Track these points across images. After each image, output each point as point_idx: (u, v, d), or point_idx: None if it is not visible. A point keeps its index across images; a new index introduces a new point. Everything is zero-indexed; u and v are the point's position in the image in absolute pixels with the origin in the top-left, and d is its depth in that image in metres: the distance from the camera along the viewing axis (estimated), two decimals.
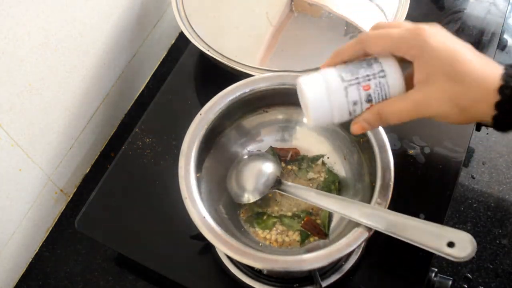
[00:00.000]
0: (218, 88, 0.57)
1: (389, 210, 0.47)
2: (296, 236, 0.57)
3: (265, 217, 0.58)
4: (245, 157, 0.61)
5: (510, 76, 0.39)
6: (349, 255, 0.58)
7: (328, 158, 0.61)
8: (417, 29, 0.41)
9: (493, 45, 0.78)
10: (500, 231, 0.81)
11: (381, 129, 0.53)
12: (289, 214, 0.58)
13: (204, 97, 0.58)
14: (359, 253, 0.59)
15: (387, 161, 0.51)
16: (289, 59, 0.68)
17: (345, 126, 0.52)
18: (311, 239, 0.57)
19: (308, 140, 0.62)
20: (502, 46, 0.99)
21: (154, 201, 0.65)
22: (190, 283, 0.59)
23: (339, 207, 0.50)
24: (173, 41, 0.88)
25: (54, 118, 0.65)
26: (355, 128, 0.45)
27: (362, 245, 0.58)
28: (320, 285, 0.55)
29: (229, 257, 0.59)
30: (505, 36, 1.00)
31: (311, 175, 0.61)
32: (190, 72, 0.77)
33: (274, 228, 0.58)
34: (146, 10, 0.79)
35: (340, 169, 0.60)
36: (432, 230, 0.42)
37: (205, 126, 0.56)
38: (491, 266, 0.76)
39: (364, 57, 0.44)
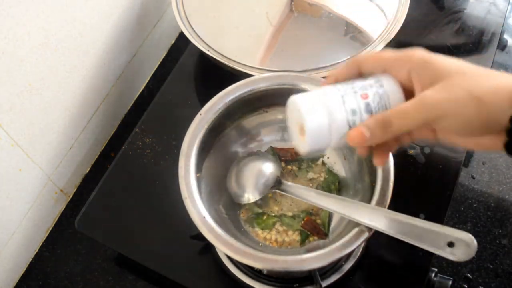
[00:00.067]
0: (218, 88, 0.57)
1: (389, 210, 0.47)
2: (296, 236, 0.57)
3: (265, 217, 0.58)
4: (245, 157, 0.61)
5: None
6: (349, 255, 0.58)
7: (328, 158, 0.61)
8: (410, 51, 0.40)
9: (493, 45, 0.78)
10: (500, 231, 0.81)
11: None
12: (289, 214, 0.58)
13: (204, 97, 0.58)
14: (359, 253, 0.59)
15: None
16: (289, 59, 0.68)
17: None
18: (311, 239, 0.57)
19: None
20: (502, 46, 0.99)
21: (154, 201, 0.65)
22: (190, 283, 0.59)
23: (339, 207, 0.50)
24: (173, 41, 0.88)
25: (54, 118, 0.65)
26: (353, 135, 0.39)
27: (362, 245, 0.58)
28: (320, 285, 0.55)
29: (229, 257, 0.59)
30: (505, 36, 1.00)
31: (311, 175, 0.61)
32: (190, 72, 0.77)
33: (274, 228, 0.58)
34: (146, 10, 0.79)
35: (340, 169, 0.60)
36: (432, 230, 0.42)
37: (205, 126, 0.56)
38: (491, 266, 0.76)
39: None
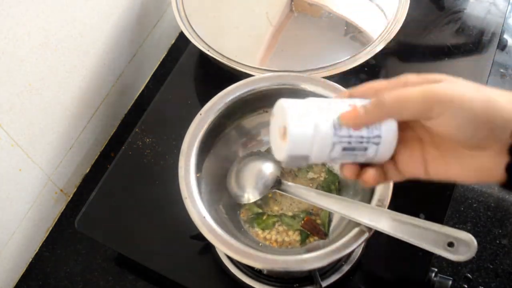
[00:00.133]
0: (218, 88, 0.57)
1: (389, 210, 0.47)
2: (296, 236, 0.57)
3: (265, 217, 0.58)
4: (245, 157, 0.61)
5: None
6: (349, 255, 0.58)
7: None
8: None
9: (493, 45, 0.78)
10: (500, 231, 0.81)
11: None
12: (289, 214, 0.58)
13: (204, 97, 0.58)
14: (359, 253, 0.59)
15: None
16: (289, 59, 0.68)
17: None
18: (311, 239, 0.57)
19: None
20: (502, 46, 0.99)
21: (154, 201, 0.65)
22: (190, 283, 0.59)
23: (339, 207, 0.50)
24: (173, 41, 0.88)
25: (54, 118, 0.65)
26: (345, 113, 0.38)
27: (362, 245, 0.58)
28: (320, 285, 0.55)
29: (229, 257, 0.59)
30: (505, 36, 1.00)
31: (311, 175, 0.61)
32: (190, 72, 0.77)
33: (274, 228, 0.58)
34: (146, 10, 0.79)
35: None
36: (432, 230, 0.42)
37: (205, 126, 0.56)
38: (491, 266, 0.76)
39: None
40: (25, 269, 0.68)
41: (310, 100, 0.39)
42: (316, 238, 0.57)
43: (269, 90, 0.58)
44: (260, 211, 0.59)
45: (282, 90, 0.58)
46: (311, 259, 0.47)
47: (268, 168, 0.58)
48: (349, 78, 0.67)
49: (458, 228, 0.41)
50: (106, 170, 0.67)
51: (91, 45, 0.68)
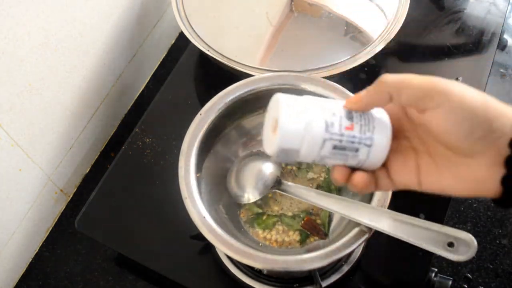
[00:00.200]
0: (218, 88, 0.57)
1: (389, 210, 0.47)
2: (296, 236, 0.57)
3: (265, 217, 0.58)
4: (245, 157, 0.61)
5: None
6: (349, 255, 0.58)
7: None
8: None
9: (493, 45, 0.78)
10: (500, 231, 0.81)
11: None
12: (289, 214, 0.58)
13: (204, 97, 0.58)
14: (359, 253, 0.59)
15: None
16: (289, 59, 0.68)
17: None
18: (311, 239, 0.57)
19: None
20: (502, 46, 0.99)
21: (154, 201, 0.65)
22: (190, 283, 0.59)
23: (339, 207, 0.50)
24: (173, 41, 0.88)
25: (54, 118, 0.65)
26: (349, 99, 0.38)
27: (362, 245, 0.58)
28: (320, 285, 0.55)
29: (229, 257, 0.59)
30: (505, 36, 1.00)
31: (311, 175, 0.61)
32: (190, 72, 0.77)
33: (274, 228, 0.58)
34: (146, 10, 0.79)
35: None
36: (432, 230, 0.42)
37: (205, 126, 0.56)
38: (491, 266, 0.76)
39: None
40: (25, 269, 0.68)
41: (306, 97, 0.39)
42: (316, 238, 0.57)
43: (269, 90, 0.58)
44: (260, 211, 0.59)
45: (282, 90, 0.58)
46: (311, 259, 0.47)
47: (268, 168, 0.58)
48: (349, 78, 0.67)
49: (458, 228, 0.41)
50: (106, 170, 0.67)
51: (91, 45, 0.68)
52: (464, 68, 0.75)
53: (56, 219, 0.72)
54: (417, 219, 0.44)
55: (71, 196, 0.74)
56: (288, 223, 0.58)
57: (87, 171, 0.76)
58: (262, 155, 0.61)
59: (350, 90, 0.56)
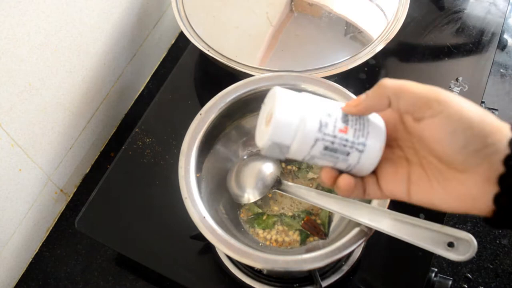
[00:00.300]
0: (218, 88, 0.57)
1: (389, 210, 0.47)
2: (296, 236, 0.57)
3: (265, 217, 0.58)
4: (245, 157, 0.61)
5: None
6: (349, 255, 0.58)
7: None
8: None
9: (493, 45, 0.78)
10: (500, 231, 0.81)
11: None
12: (289, 214, 0.58)
13: (204, 97, 0.58)
14: (359, 253, 0.59)
15: None
16: (289, 59, 0.68)
17: None
18: (311, 239, 0.57)
19: None
20: (502, 46, 0.99)
21: (154, 201, 0.65)
22: (190, 283, 0.59)
23: (339, 207, 0.50)
24: (173, 41, 0.88)
25: (54, 118, 0.65)
26: (349, 102, 0.38)
27: (362, 245, 0.58)
28: (320, 285, 0.55)
29: (229, 257, 0.59)
30: (505, 36, 1.00)
31: (311, 175, 0.61)
32: (190, 72, 0.77)
33: (274, 228, 0.58)
34: (146, 10, 0.79)
35: None
36: (432, 230, 0.42)
37: (205, 126, 0.56)
38: (491, 266, 0.76)
39: None
40: (25, 269, 0.68)
41: (304, 94, 0.39)
42: (316, 238, 0.57)
43: (269, 90, 0.58)
44: (260, 211, 0.59)
45: None
46: (311, 259, 0.47)
47: (268, 168, 0.58)
48: (349, 78, 0.67)
49: (458, 228, 0.41)
50: (106, 170, 0.67)
51: (91, 45, 0.68)
52: (464, 68, 0.75)
53: (56, 219, 0.72)
54: (417, 219, 0.44)
55: (71, 196, 0.74)
56: (288, 223, 0.58)
57: (87, 171, 0.76)
58: (262, 155, 0.61)
59: (350, 90, 0.56)
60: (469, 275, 0.75)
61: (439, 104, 0.34)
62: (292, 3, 0.73)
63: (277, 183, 0.56)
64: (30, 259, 0.68)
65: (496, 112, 0.76)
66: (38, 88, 0.60)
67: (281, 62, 0.67)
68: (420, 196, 0.37)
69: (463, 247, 0.39)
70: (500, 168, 0.32)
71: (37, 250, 0.69)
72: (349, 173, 0.40)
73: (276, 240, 0.57)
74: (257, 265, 0.47)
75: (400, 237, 0.43)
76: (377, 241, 0.58)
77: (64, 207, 0.73)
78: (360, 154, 0.38)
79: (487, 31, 0.80)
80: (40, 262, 0.68)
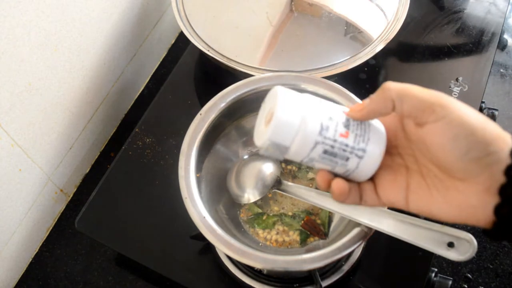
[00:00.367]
0: (218, 88, 0.57)
1: (389, 210, 0.47)
2: (296, 236, 0.57)
3: (265, 217, 0.58)
4: (245, 157, 0.61)
5: None
6: (349, 255, 0.58)
7: None
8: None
9: (493, 45, 0.78)
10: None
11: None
12: (289, 214, 0.58)
13: (204, 97, 0.58)
14: (359, 253, 0.59)
15: None
16: (289, 59, 0.68)
17: None
18: (311, 239, 0.57)
19: None
20: (502, 46, 0.99)
21: (154, 201, 0.65)
22: (190, 283, 0.59)
23: (339, 207, 0.50)
24: (173, 41, 0.88)
25: (54, 118, 0.65)
26: (352, 107, 0.38)
27: (362, 245, 0.58)
28: (320, 285, 0.55)
29: (229, 257, 0.59)
30: (505, 36, 1.00)
31: (311, 175, 0.61)
32: (190, 72, 0.77)
33: (274, 228, 0.58)
34: (146, 10, 0.79)
35: None
36: (432, 230, 0.42)
37: (205, 126, 0.56)
38: (491, 266, 0.76)
39: None
40: (25, 269, 0.68)
41: (306, 95, 0.39)
42: (316, 238, 0.57)
43: (269, 90, 0.58)
44: (260, 211, 0.59)
45: None
46: (311, 259, 0.47)
47: (268, 168, 0.58)
48: (349, 78, 0.67)
49: (458, 228, 0.40)
50: (106, 170, 0.67)
51: (91, 45, 0.68)
52: (464, 68, 0.75)
53: (56, 219, 0.72)
54: (417, 219, 0.44)
55: (71, 196, 0.74)
56: (288, 223, 0.58)
57: (87, 171, 0.76)
58: (262, 155, 0.61)
59: (350, 90, 0.56)
60: (469, 275, 0.75)
61: (442, 109, 0.33)
62: (292, 3, 0.73)
63: (277, 183, 0.56)
64: (30, 259, 0.68)
65: (496, 112, 0.76)
66: (38, 88, 0.60)
67: (281, 62, 0.67)
68: (419, 204, 0.37)
69: (463, 247, 0.39)
70: (501, 178, 0.32)
71: (37, 250, 0.69)
72: (346, 178, 0.39)
73: (276, 240, 0.57)
74: (257, 265, 0.47)
75: (400, 237, 0.43)
76: (377, 241, 0.58)
77: (64, 207, 0.73)
78: (359, 160, 0.38)
79: (487, 31, 0.80)
80: (40, 262, 0.68)
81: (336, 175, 0.40)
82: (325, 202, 0.51)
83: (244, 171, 0.58)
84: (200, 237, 0.50)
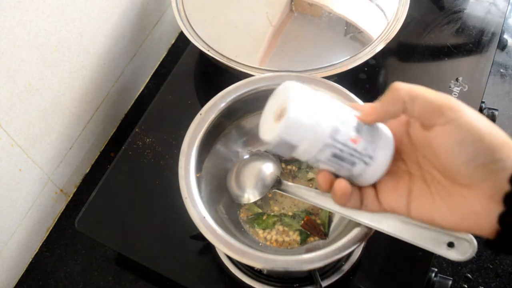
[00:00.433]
0: (218, 88, 0.57)
1: None
2: (296, 236, 0.57)
3: (265, 217, 0.58)
4: (245, 157, 0.61)
5: None
6: (349, 255, 0.58)
7: None
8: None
9: (493, 45, 0.78)
10: None
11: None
12: (289, 214, 0.58)
13: (204, 97, 0.58)
14: (359, 253, 0.59)
15: None
16: (289, 59, 0.68)
17: None
18: (311, 239, 0.57)
19: None
20: (502, 46, 0.99)
21: (154, 201, 0.65)
22: (190, 283, 0.59)
23: (339, 207, 0.50)
24: (173, 41, 0.88)
25: (54, 118, 0.65)
26: (361, 106, 0.37)
27: (362, 245, 0.58)
28: (320, 285, 0.55)
29: (229, 257, 0.59)
30: (505, 36, 1.00)
31: (311, 175, 0.61)
32: (190, 72, 0.77)
33: (274, 228, 0.58)
34: (146, 10, 0.79)
35: None
36: (432, 229, 0.42)
37: (205, 126, 0.56)
38: (491, 266, 0.76)
39: None
40: (25, 269, 0.68)
41: (319, 93, 0.37)
42: (316, 238, 0.57)
43: (269, 90, 0.58)
44: (260, 211, 0.59)
45: None
46: (311, 259, 0.47)
47: (268, 168, 0.58)
48: (349, 78, 0.67)
49: None
50: (106, 170, 0.67)
51: (91, 45, 0.68)
52: (464, 68, 0.75)
53: (56, 219, 0.72)
54: None
55: (71, 196, 0.74)
56: (288, 223, 0.58)
57: (87, 171, 0.76)
58: (262, 155, 0.61)
59: (350, 90, 0.56)
60: (469, 275, 0.75)
61: (451, 112, 0.33)
62: (292, 3, 0.73)
63: (277, 183, 0.56)
64: (30, 259, 0.68)
65: (496, 112, 0.76)
66: (38, 88, 0.60)
67: (281, 62, 0.67)
68: (421, 211, 0.36)
69: (463, 247, 0.39)
70: (506, 186, 0.32)
71: (37, 250, 0.69)
72: (348, 181, 0.39)
73: (276, 240, 0.57)
74: (257, 265, 0.47)
75: (400, 237, 0.43)
76: (377, 241, 0.58)
77: (64, 207, 0.73)
78: (365, 166, 0.37)
79: (487, 31, 0.80)
80: (40, 262, 0.68)
81: (337, 176, 0.39)
82: (325, 202, 0.51)
83: (244, 171, 0.58)
84: (200, 237, 0.50)
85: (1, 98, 0.55)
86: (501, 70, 0.96)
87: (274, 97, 0.39)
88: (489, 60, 0.76)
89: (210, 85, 0.74)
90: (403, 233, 0.43)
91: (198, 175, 0.54)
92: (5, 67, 0.54)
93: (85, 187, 0.74)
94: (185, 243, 0.60)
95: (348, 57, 0.66)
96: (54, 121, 0.65)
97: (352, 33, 0.70)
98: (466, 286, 0.73)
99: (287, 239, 0.57)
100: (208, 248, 0.61)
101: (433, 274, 0.59)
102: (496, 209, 0.32)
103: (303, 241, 0.57)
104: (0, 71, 0.54)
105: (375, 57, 0.67)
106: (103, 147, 0.78)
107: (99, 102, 0.74)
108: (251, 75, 0.60)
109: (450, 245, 0.40)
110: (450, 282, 0.59)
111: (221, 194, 0.58)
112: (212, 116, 0.56)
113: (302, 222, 0.57)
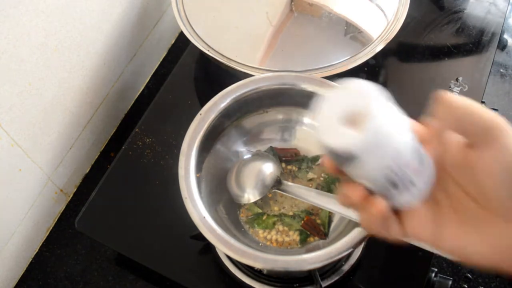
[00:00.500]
0: (218, 88, 0.57)
1: None
2: (296, 236, 0.57)
3: (265, 217, 0.58)
4: (245, 157, 0.61)
5: None
6: (349, 255, 0.58)
7: None
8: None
9: (493, 45, 0.78)
10: None
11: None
12: (289, 214, 0.58)
13: (204, 97, 0.58)
14: (359, 253, 0.59)
15: None
16: (289, 59, 0.68)
17: None
18: (311, 239, 0.57)
19: (308, 140, 0.62)
20: (502, 46, 0.99)
21: (154, 201, 0.65)
22: (190, 283, 0.59)
23: (339, 207, 0.50)
24: (173, 41, 0.88)
25: (54, 118, 0.65)
26: (430, 133, 0.33)
27: (362, 245, 0.58)
28: (320, 285, 0.55)
29: (229, 257, 0.59)
30: (505, 36, 1.00)
31: (311, 175, 0.61)
32: (190, 72, 0.77)
33: (274, 228, 0.58)
34: (146, 10, 0.79)
35: None
36: None
37: (205, 126, 0.56)
38: None
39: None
40: (25, 269, 0.68)
41: (391, 104, 0.31)
42: (316, 238, 0.57)
43: (269, 90, 0.58)
44: (260, 211, 0.59)
45: (282, 90, 0.58)
46: (311, 259, 0.47)
47: (268, 168, 0.58)
48: (349, 78, 0.67)
49: None
50: (106, 170, 0.67)
51: (91, 45, 0.68)
52: (464, 68, 0.75)
53: (56, 219, 0.72)
54: None
55: (71, 196, 0.74)
56: (288, 223, 0.58)
57: (87, 171, 0.76)
58: (262, 155, 0.61)
59: None
60: (469, 275, 0.75)
61: (499, 132, 0.29)
62: (292, 3, 0.73)
63: (277, 183, 0.56)
64: (30, 259, 0.68)
65: (496, 112, 0.76)
66: (38, 88, 0.60)
67: (281, 62, 0.67)
68: (449, 240, 0.32)
69: None
70: None
71: (37, 250, 0.69)
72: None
73: (276, 240, 0.57)
74: (257, 265, 0.47)
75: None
76: (377, 241, 0.58)
77: (64, 207, 0.73)
78: (405, 193, 0.33)
79: (487, 31, 0.80)
80: (40, 262, 0.68)
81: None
82: (325, 202, 0.51)
83: (244, 171, 0.58)
84: (200, 237, 0.50)
85: (1, 98, 0.55)
86: (501, 70, 0.96)
87: (341, 95, 0.33)
88: (489, 60, 0.76)
89: (210, 85, 0.74)
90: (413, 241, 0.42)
91: (198, 175, 0.54)
92: (5, 67, 0.54)
93: (85, 187, 0.74)
94: (185, 243, 0.60)
95: (348, 57, 0.66)
96: (54, 121, 0.65)
97: (352, 33, 0.70)
98: (466, 286, 0.73)
99: (287, 239, 0.57)
100: (208, 248, 0.61)
101: (433, 274, 0.59)
102: None
103: (303, 241, 0.57)
104: (0, 71, 0.54)
105: (375, 57, 0.67)
106: (103, 147, 0.78)
107: (99, 102, 0.74)
108: (251, 75, 0.60)
109: None
110: (450, 282, 0.59)
111: (221, 194, 0.58)
112: (212, 116, 0.56)
113: (302, 222, 0.57)
